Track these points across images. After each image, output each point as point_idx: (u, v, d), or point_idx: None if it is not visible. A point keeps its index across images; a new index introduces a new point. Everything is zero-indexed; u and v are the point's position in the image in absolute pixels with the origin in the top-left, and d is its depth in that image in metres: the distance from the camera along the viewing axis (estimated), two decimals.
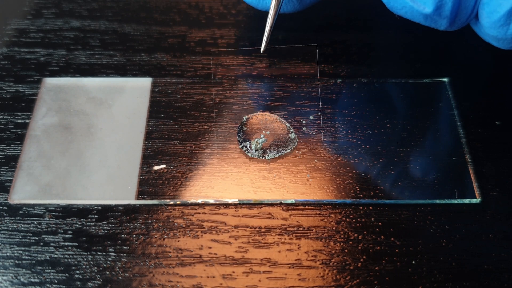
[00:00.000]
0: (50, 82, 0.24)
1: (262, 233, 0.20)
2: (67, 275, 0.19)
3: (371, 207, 0.20)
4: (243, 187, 0.21)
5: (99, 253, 0.19)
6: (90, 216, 0.20)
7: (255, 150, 0.21)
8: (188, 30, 0.26)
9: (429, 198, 0.20)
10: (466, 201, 0.20)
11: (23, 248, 0.19)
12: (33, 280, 0.19)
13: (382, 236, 0.20)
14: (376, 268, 0.19)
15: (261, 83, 0.24)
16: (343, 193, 0.21)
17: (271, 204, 0.20)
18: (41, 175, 0.21)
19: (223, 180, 0.21)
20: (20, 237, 0.20)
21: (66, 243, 0.19)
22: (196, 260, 0.19)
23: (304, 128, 0.22)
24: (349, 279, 0.19)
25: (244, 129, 0.22)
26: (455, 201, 0.20)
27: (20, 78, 0.24)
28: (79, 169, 0.21)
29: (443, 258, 0.19)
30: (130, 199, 0.20)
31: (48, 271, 0.19)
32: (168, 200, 0.20)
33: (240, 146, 0.22)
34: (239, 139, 0.22)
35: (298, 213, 0.20)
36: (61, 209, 0.20)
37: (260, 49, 0.21)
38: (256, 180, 0.21)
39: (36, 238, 0.19)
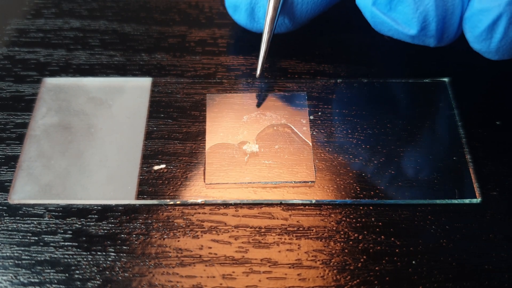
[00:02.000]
0: (50, 82, 0.24)
1: (262, 233, 0.20)
2: (67, 275, 0.19)
3: (371, 207, 0.20)
4: (243, 187, 0.21)
5: (99, 253, 0.19)
6: (90, 216, 0.20)
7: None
8: (188, 30, 0.26)
9: (429, 198, 0.20)
10: (466, 201, 0.20)
11: (22, 248, 0.19)
12: (32, 280, 0.19)
13: (382, 236, 0.20)
14: (376, 268, 0.19)
15: (261, 83, 0.24)
16: (343, 193, 0.21)
17: (271, 204, 0.20)
18: (41, 175, 0.21)
19: (223, 180, 0.21)
20: (20, 237, 0.20)
21: (66, 243, 0.19)
22: (196, 260, 0.19)
23: (304, 128, 0.22)
24: (349, 279, 0.19)
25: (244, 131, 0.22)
26: (455, 201, 0.20)
27: (20, 78, 0.24)
28: (79, 169, 0.21)
29: (443, 258, 0.19)
30: (130, 199, 0.20)
31: (48, 271, 0.19)
32: (168, 200, 0.20)
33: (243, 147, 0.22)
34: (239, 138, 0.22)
35: (298, 213, 0.20)
36: (61, 209, 0.20)
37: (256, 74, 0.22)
38: (256, 180, 0.21)
39: (36, 238, 0.19)
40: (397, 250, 0.19)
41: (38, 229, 0.20)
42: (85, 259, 0.19)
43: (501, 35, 0.19)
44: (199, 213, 0.20)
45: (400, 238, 0.20)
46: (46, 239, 0.19)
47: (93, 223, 0.20)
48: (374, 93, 0.23)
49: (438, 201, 0.20)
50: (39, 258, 0.19)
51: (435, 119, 0.22)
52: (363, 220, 0.20)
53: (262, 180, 0.21)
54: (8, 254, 0.19)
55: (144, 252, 0.19)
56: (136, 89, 0.24)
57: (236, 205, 0.20)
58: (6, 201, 0.20)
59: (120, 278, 0.19)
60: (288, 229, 0.20)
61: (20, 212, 0.20)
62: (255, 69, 0.24)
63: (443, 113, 0.23)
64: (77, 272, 0.19)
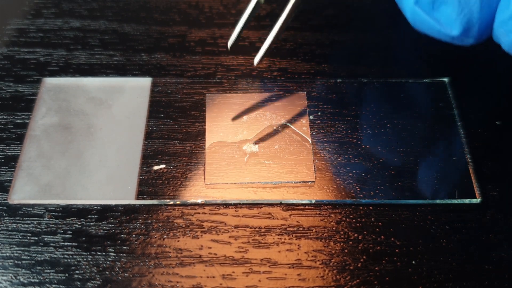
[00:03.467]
0: (50, 82, 0.24)
1: (262, 233, 0.20)
2: (66, 275, 0.19)
3: (371, 207, 0.20)
4: (243, 187, 0.21)
5: (98, 253, 0.19)
6: (89, 216, 0.20)
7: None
8: (188, 30, 0.26)
9: (429, 198, 0.20)
10: (466, 201, 0.20)
11: (22, 248, 0.19)
12: (32, 280, 0.19)
13: (382, 236, 0.20)
14: (376, 268, 0.19)
15: (261, 83, 0.24)
16: (343, 193, 0.20)
17: (271, 204, 0.20)
18: (41, 175, 0.21)
19: (223, 180, 0.21)
20: (20, 237, 0.20)
21: (66, 243, 0.19)
22: (196, 260, 0.19)
23: (304, 128, 0.22)
24: (349, 279, 0.19)
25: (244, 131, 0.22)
26: (455, 201, 0.20)
27: (20, 78, 0.24)
28: (79, 169, 0.21)
29: (443, 258, 0.19)
30: (130, 199, 0.20)
31: (48, 271, 0.19)
32: (168, 200, 0.20)
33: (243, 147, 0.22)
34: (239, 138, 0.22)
35: (298, 213, 0.20)
36: (60, 209, 0.20)
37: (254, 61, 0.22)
38: (256, 180, 0.21)
39: (36, 238, 0.19)
40: (397, 250, 0.19)
41: (38, 229, 0.20)
42: (85, 259, 0.19)
43: None
44: (199, 213, 0.20)
45: (400, 238, 0.20)
46: (46, 239, 0.19)
47: (93, 223, 0.20)
48: (374, 93, 0.23)
49: (438, 201, 0.20)
50: (39, 258, 0.19)
51: (435, 119, 0.22)
52: (363, 220, 0.20)
53: (262, 180, 0.21)
54: (8, 254, 0.19)
55: (144, 252, 0.19)
56: (136, 89, 0.24)
57: (236, 205, 0.20)
58: (6, 201, 0.20)
59: (120, 278, 0.19)
60: (288, 229, 0.20)
61: (20, 212, 0.20)
62: (255, 69, 0.24)
63: (443, 113, 0.23)
64: (77, 272, 0.19)
